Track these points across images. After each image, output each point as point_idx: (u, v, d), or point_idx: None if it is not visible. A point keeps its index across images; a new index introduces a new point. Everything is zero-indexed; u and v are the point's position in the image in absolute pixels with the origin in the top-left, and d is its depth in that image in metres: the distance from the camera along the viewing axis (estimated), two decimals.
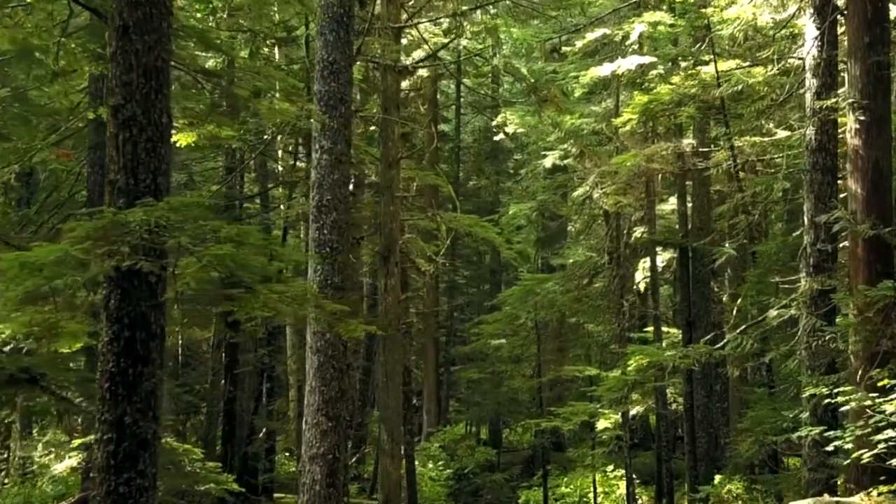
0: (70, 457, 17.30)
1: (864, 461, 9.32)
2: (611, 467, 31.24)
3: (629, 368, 13.93)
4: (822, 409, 11.40)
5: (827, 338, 12.09)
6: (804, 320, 12.15)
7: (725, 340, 12.47)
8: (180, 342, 30.45)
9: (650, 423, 32.57)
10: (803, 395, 11.65)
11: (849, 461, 9.86)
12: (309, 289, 7.23)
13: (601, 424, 26.44)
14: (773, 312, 12.16)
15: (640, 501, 33.56)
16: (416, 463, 35.00)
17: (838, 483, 11.70)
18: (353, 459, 31.39)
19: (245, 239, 6.63)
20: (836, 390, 9.76)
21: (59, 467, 19.71)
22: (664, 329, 30.38)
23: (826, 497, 8.34)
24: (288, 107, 10.21)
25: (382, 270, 21.42)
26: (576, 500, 30.12)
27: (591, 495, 28.13)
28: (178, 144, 10.42)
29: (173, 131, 10.48)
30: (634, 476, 33.13)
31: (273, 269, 6.89)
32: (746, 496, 31.71)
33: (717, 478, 30.97)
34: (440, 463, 34.86)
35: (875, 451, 9.08)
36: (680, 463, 28.28)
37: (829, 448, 10.16)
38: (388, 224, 21.25)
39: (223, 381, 26.08)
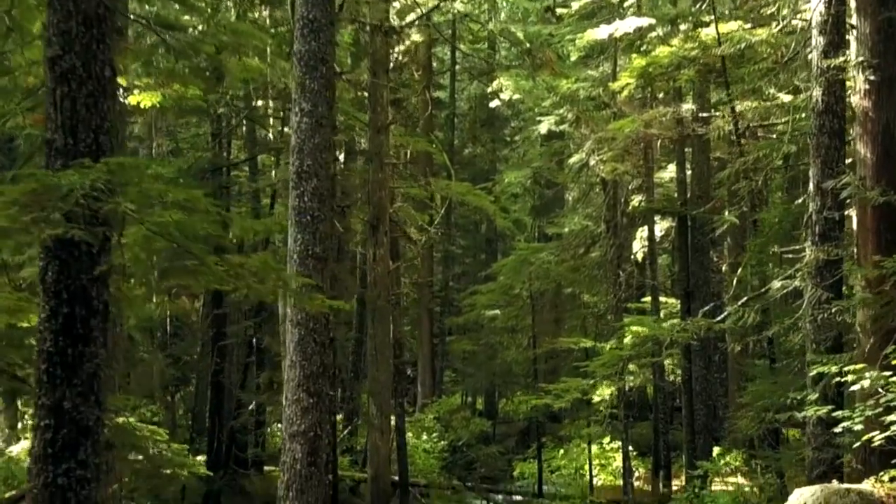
0: (25, 438, 16.66)
1: (875, 443, 8.71)
2: (607, 439, 30.73)
3: (625, 342, 13.31)
4: (829, 388, 10.78)
5: (833, 311, 11.43)
6: (809, 292, 11.47)
7: (726, 313, 11.79)
8: (168, 312, 29.83)
9: (647, 394, 32.04)
10: (809, 374, 11.01)
11: (858, 444, 9.24)
12: (269, 260, 6.54)
13: (598, 396, 25.86)
14: (776, 284, 11.44)
15: (636, 473, 33.11)
16: (410, 435, 34.48)
17: (844, 463, 11.10)
18: (346, 432, 30.90)
19: (195, 205, 5.94)
20: (845, 368, 9.12)
21: (15, 449, 19.10)
22: (662, 299, 29.80)
23: (835, 483, 7.73)
24: (259, 64, 9.47)
25: (371, 240, 20.74)
26: (571, 472, 29.57)
27: (587, 467, 27.57)
28: (141, 105, 9.69)
29: (136, 91, 9.80)
30: (631, 448, 32.63)
31: (228, 240, 6.20)
32: (745, 468, 31.22)
33: (716, 450, 30.49)
34: (434, 435, 34.33)
35: (887, 434, 8.46)
36: (678, 434, 27.76)
37: (838, 430, 9.54)
38: (377, 192, 20.55)
39: (210, 354, 25.45)
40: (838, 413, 9.63)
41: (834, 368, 9.36)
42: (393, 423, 23.32)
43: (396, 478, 23.04)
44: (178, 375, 30.53)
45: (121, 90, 9.76)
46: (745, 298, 11.97)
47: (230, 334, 24.98)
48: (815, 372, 10.14)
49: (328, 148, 13.96)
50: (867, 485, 7.81)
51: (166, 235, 5.86)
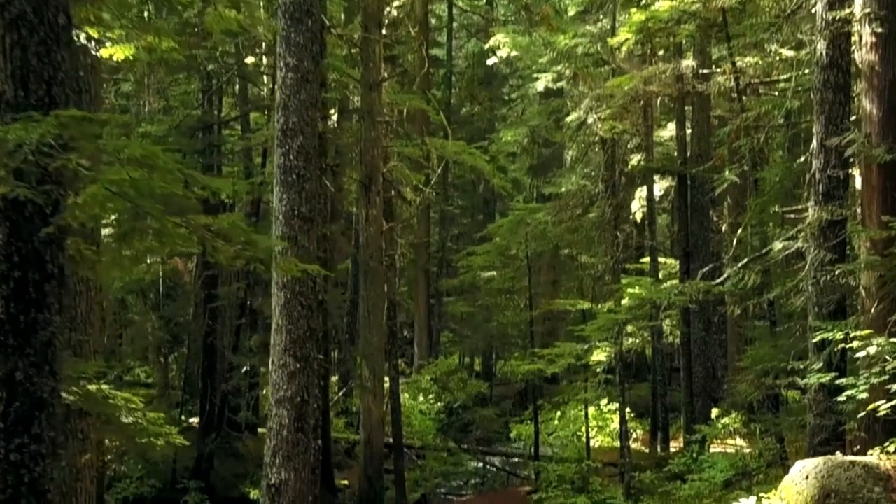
0: None
1: (880, 412, 8.32)
2: (605, 401, 30.45)
3: (623, 304, 12.91)
4: (833, 355, 10.39)
5: (836, 273, 11.01)
6: (812, 254, 11.03)
7: (725, 276, 11.35)
8: (161, 273, 29.48)
9: (646, 355, 31.72)
10: (812, 340, 10.60)
11: (863, 413, 8.85)
12: (237, 221, 6.10)
13: (595, 358, 25.54)
14: (777, 245, 11.00)
15: (634, 435, 32.87)
16: (406, 396, 34.25)
17: (847, 430, 10.73)
18: (341, 393, 30.62)
19: (154, 162, 5.50)
20: (851, 335, 8.72)
21: None
22: (661, 260, 29.41)
23: (839, 455, 7.37)
24: (235, 15, 8.97)
25: (364, 200, 20.30)
26: (569, 434, 29.30)
27: (584, 430, 27.29)
28: (114, 58, 9.21)
29: (108, 44, 9.31)
30: (629, 410, 32.38)
31: (191, 200, 5.77)
32: (744, 430, 30.98)
33: (714, 412, 30.23)
34: (431, 396, 34.08)
35: (893, 403, 8.07)
36: (676, 395, 27.46)
37: (841, 398, 9.14)
38: (370, 151, 20.07)
39: (202, 315, 25.07)
40: (842, 381, 9.25)
41: (839, 335, 8.96)
42: (387, 385, 23.02)
43: (391, 440, 22.80)
44: (171, 337, 30.24)
45: (93, 42, 9.27)
46: (745, 260, 11.53)
47: (221, 296, 24.59)
48: (819, 338, 9.74)
49: (315, 104, 13.48)
50: (873, 457, 7.46)
51: (122, 195, 5.43)
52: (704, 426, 18.77)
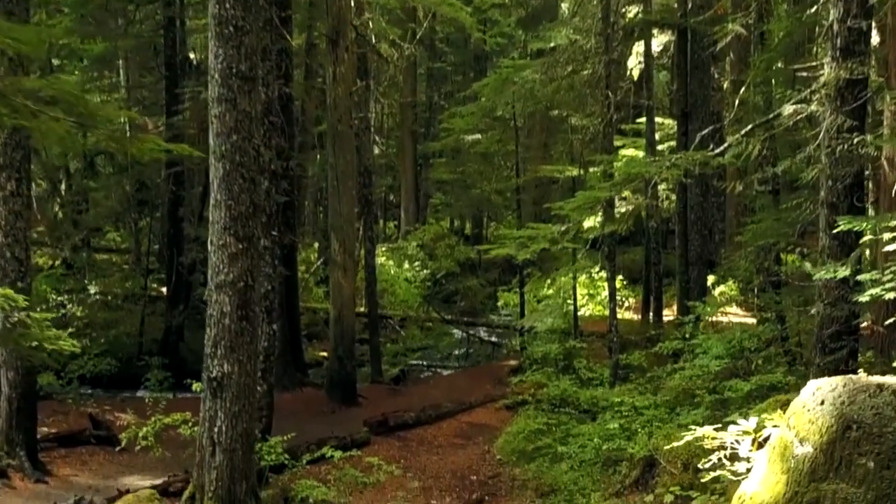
0: None
1: None
2: (597, 269, 29.20)
3: (615, 177, 11.33)
4: (856, 245, 8.88)
5: (855, 141, 9.39)
6: (827, 119, 9.37)
7: (726, 145, 9.70)
8: (128, 131, 27.80)
9: (641, 216, 30.28)
10: (832, 231, 9.03)
11: (882, 316, 7.42)
12: (66, 86, 4.49)
13: (587, 223, 24.08)
14: (787, 108, 9.27)
15: (626, 304, 31.74)
16: (391, 263, 33.03)
17: (861, 325, 9.32)
18: (320, 262, 29.38)
19: None
20: (882, 225, 7.18)
21: None
22: (658, 120, 27.77)
23: (862, 375, 5.92)
24: None
25: (331, 56, 18.48)
26: (559, 301, 28.10)
27: (573, 302, 26.11)
28: None
29: None
30: (622, 277, 31.19)
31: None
32: (741, 298, 29.81)
33: (710, 279, 29.03)
34: (416, 264, 32.89)
35: None
36: (672, 259, 26.01)
37: (864, 297, 7.66)
38: (336, 1, 18.15)
39: (167, 181, 23.48)
40: (863, 276, 7.79)
41: (867, 225, 7.42)
42: (362, 257, 21.64)
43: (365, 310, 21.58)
44: (145, 201, 28.74)
45: None
46: (749, 126, 9.85)
47: (184, 158, 22.90)
48: (840, 228, 8.17)
49: None
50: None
51: None
52: (699, 303, 17.37)
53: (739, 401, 11.98)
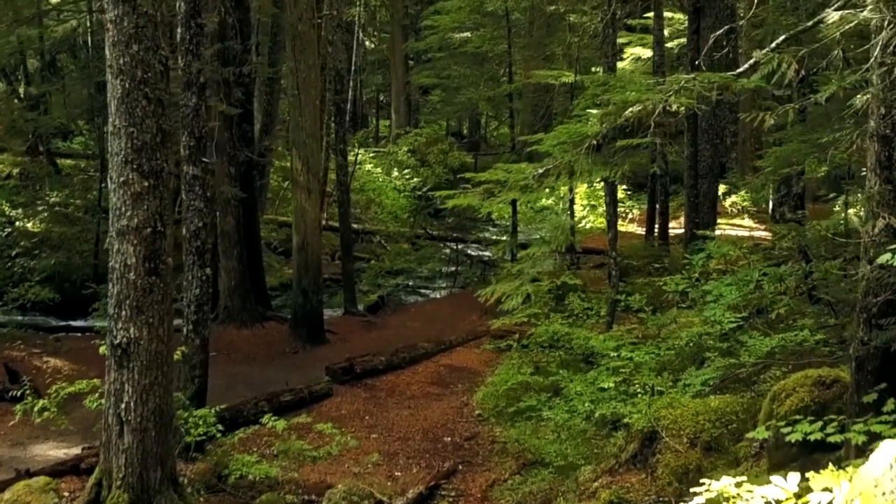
0: None
1: None
2: (598, 179, 26.95)
3: (609, 108, 9.09)
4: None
5: None
6: (886, 30, 7.10)
7: (752, 62, 7.34)
8: (90, 26, 25.46)
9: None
10: (885, 171, 6.81)
11: None
12: None
13: (591, 129, 21.76)
14: (833, 15, 6.94)
15: (630, 215, 29.62)
16: (379, 171, 30.81)
17: None
18: (287, 184, 27.07)
19: None
20: None
21: None
22: (667, 15, 25.28)
23: None
24: None
25: None
26: (557, 211, 26.02)
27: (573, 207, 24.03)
28: None
29: None
30: (626, 186, 28.98)
31: None
32: (753, 209, 27.48)
33: (722, 188, 26.76)
34: (406, 171, 30.63)
35: None
36: (680, 162, 23.66)
37: None
38: None
39: None
40: None
41: None
42: (332, 172, 19.42)
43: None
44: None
45: None
46: (781, 38, 7.57)
47: None
48: None
49: None
50: None
51: None
52: (708, 233, 15.18)
53: (759, 364, 9.94)
